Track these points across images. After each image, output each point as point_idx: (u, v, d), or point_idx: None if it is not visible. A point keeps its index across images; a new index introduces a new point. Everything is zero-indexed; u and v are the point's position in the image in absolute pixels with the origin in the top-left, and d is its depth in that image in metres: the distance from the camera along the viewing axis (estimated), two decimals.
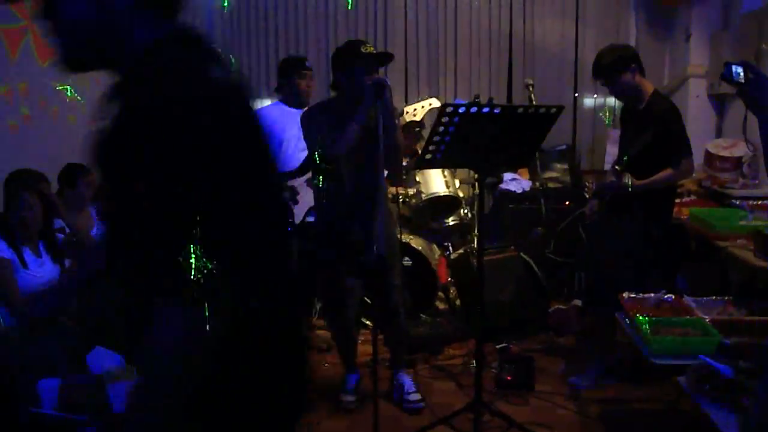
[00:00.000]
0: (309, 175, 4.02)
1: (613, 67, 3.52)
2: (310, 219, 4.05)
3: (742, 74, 1.95)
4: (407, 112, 4.18)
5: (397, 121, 3.28)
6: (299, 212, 4.01)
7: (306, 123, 3.34)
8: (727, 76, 1.96)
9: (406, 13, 6.15)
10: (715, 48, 5.26)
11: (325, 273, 3.56)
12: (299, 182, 4.01)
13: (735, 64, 1.96)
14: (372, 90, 2.91)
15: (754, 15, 4.73)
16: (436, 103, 4.35)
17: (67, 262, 3.59)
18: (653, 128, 3.31)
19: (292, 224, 3.99)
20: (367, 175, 2.97)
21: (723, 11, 5.35)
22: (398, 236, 3.79)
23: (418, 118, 4.26)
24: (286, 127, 4.05)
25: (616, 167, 3.56)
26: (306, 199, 4.01)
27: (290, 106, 4.20)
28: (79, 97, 4.28)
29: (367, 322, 4.33)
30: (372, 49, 3.19)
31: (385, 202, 3.41)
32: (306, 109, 3.62)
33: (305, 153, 4.01)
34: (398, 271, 3.50)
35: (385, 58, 3.35)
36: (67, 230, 3.74)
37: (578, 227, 4.74)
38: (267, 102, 5.45)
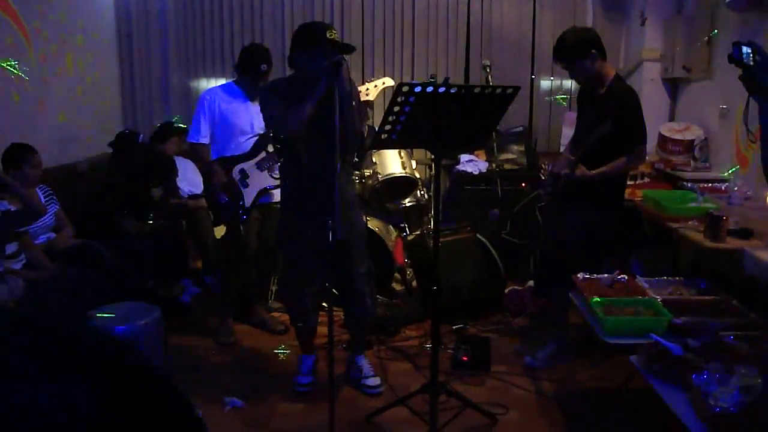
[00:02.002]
0: (260, 157, 3.97)
1: (575, 50, 3.47)
2: (263, 200, 4.01)
3: (751, 56, 1.83)
4: (360, 92, 4.12)
5: (355, 103, 3.22)
6: (250, 195, 3.96)
7: (264, 100, 3.30)
8: (737, 58, 1.83)
9: None
10: (669, 32, 5.31)
11: (283, 254, 3.51)
12: (250, 165, 3.95)
13: (744, 45, 1.83)
14: (329, 68, 2.86)
15: (707, 1, 4.78)
16: (389, 82, 4.29)
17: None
18: (613, 115, 3.29)
19: (243, 207, 3.94)
20: (324, 155, 2.93)
21: None
22: (364, 222, 3.76)
23: (371, 98, 4.19)
24: (240, 113, 4.00)
25: (571, 157, 3.54)
26: (256, 182, 3.96)
27: (244, 93, 4.07)
28: (23, 75, 4.12)
29: (324, 304, 4.30)
30: (336, 35, 3.12)
31: (347, 185, 3.37)
32: (265, 86, 3.56)
33: (253, 140, 3.99)
34: (363, 258, 3.45)
35: (348, 48, 3.29)
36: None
37: (534, 209, 4.78)
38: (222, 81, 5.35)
